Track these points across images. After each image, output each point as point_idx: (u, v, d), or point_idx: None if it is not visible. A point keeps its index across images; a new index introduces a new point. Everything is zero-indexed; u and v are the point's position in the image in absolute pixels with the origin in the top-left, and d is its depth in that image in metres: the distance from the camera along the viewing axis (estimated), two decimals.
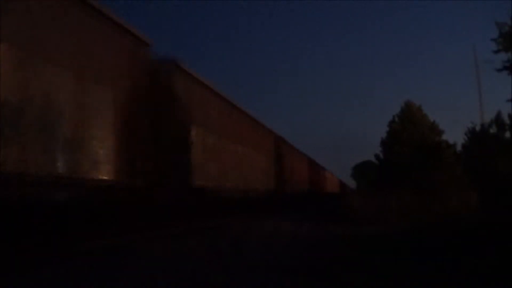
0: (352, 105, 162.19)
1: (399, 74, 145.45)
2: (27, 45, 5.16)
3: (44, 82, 5.40)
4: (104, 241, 6.09)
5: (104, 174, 6.54)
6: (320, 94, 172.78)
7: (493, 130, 19.54)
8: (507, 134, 19.07)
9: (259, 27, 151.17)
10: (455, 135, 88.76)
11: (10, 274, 4.22)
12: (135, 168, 7.40)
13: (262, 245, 6.47)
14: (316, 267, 4.80)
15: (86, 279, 4.16)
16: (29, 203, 5.22)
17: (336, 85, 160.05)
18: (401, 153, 19.94)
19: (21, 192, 5.11)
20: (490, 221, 8.42)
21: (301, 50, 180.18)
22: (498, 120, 19.39)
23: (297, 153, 26.34)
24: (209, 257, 5.35)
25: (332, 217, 12.66)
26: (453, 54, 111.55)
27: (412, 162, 18.54)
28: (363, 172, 35.60)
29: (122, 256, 5.33)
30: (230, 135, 12.67)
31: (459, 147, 20.77)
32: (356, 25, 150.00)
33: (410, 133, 20.80)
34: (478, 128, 20.41)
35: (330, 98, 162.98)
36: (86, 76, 6.24)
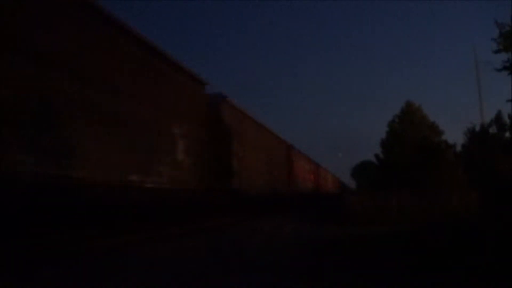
0: (352, 105, 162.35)
1: (399, 74, 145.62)
2: None
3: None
4: None
5: None
6: (320, 94, 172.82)
7: (493, 130, 19.55)
8: (507, 134, 19.08)
9: (259, 26, 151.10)
10: (455, 135, 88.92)
11: (10, 274, 4.21)
12: None
13: None
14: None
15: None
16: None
17: (337, 85, 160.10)
18: (401, 153, 19.91)
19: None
20: (490, 221, 8.39)
21: (301, 50, 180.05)
22: (498, 120, 19.40)
23: (264, 132, 18.09)
24: None
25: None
26: (453, 54, 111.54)
27: (412, 162, 18.52)
28: (363, 172, 35.57)
29: None
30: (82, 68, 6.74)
31: (459, 147, 20.82)
32: (356, 25, 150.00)
33: (410, 133, 20.79)
34: (478, 128, 20.43)
35: (330, 98, 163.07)
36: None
